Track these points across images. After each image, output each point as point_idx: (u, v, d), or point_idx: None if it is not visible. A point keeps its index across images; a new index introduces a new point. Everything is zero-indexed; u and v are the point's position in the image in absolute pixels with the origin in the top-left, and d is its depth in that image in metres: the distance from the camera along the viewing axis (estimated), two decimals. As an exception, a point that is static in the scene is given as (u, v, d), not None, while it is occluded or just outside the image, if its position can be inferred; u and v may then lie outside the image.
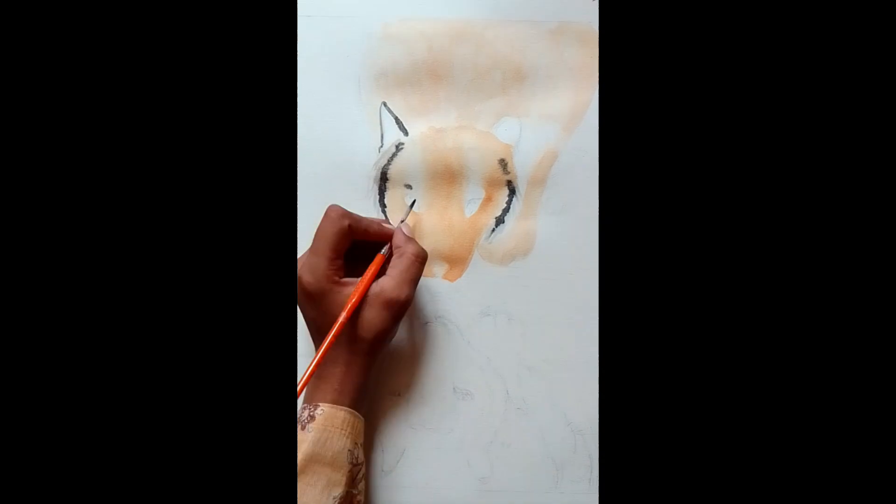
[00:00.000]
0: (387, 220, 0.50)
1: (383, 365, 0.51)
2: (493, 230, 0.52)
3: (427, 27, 0.52)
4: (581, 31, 0.52)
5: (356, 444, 0.45)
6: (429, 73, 0.52)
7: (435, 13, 0.52)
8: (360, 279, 0.45)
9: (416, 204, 0.52)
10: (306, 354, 0.51)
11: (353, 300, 0.44)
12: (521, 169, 0.52)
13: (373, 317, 0.44)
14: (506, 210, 0.52)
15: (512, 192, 0.52)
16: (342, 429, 0.44)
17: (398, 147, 0.52)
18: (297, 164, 0.51)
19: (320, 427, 0.43)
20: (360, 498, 0.45)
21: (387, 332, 0.45)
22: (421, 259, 0.46)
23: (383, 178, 0.52)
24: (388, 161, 0.52)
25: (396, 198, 0.52)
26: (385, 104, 0.52)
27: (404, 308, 0.45)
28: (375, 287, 0.45)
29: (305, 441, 0.42)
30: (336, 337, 0.43)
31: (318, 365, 0.43)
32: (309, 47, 0.52)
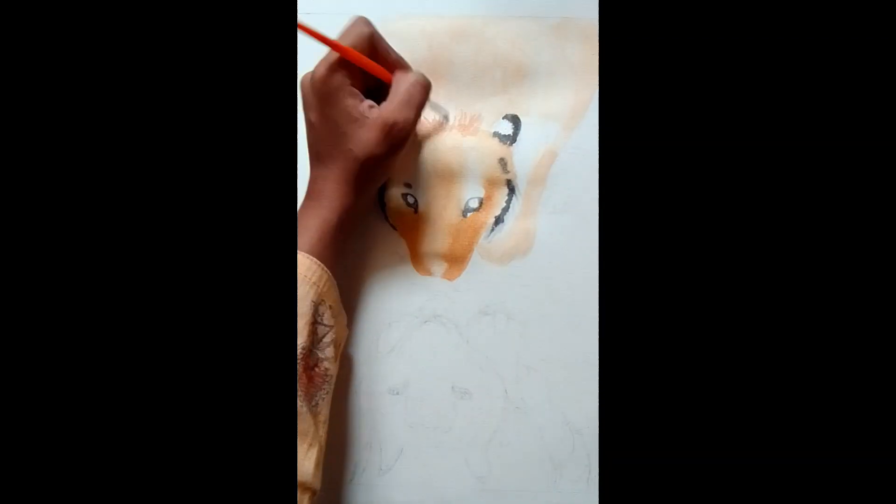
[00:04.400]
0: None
1: (382, 363, 0.51)
2: (493, 229, 0.52)
3: (427, 24, 0.52)
4: (583, 27, 0.52)
5: (323, 301, 0.43)
6: (429, 71, 0.52)
7: (435, 10, 0.52)
8: (376, 106, 0.44)
9: (415, 203, 0.52)
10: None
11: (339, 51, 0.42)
12: (521, 168, 0.52)
13: (368, 136, 0.43)
14: (505, 209, 0.52)
15: (511, 191, 0.52)
16: (306, 276, 0.42)
17: (398, 145, 0.52)
18: (297, 162, 0.51)
19: None
20: (331, 369, 0.43)
21: (380, 157, 0.43)
22: (423, 85, 0.44)
23: (383, 177, 0.52)
24: (388, 159, 0.52)
25: (395, 196, 0.52)
26: (385, 102, 0.52)
27: (404, 133, 0.43)
28: (374, 111, 0.43)
29: None
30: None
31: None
32: (309, 45, 0.52)
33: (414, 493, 0.50)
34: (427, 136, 0.52)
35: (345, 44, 0.43)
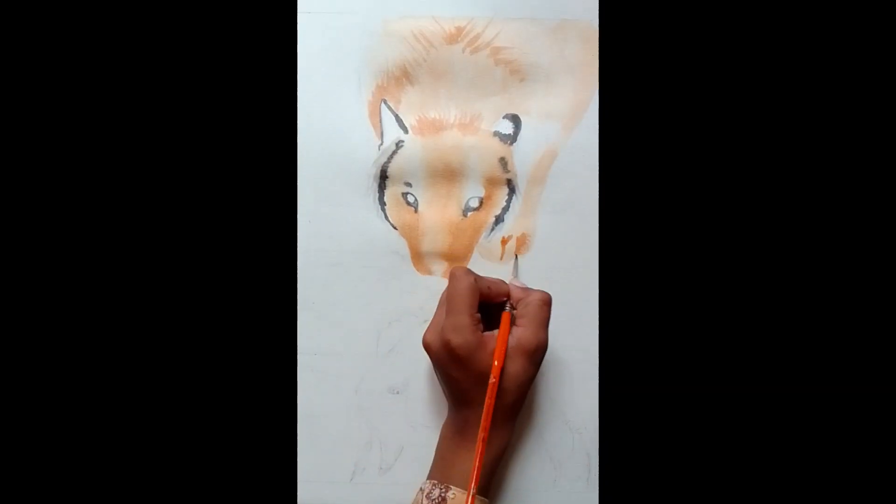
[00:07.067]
0: (502, 281, 0.48)
1: (382, 363, 0.51)
2: (493, 228, 0.52)
3: (427, 25, 0.52)
4: (582, 28, 0.52)
5: None
6: (429, 71, 0.52)
7: (436, 10, 0.52)
8: (496, 334, 0.45)
9: (415, 202, 0.52)
10: (306, 352, 0.51)
11: (497, 361, 0.43)
12: (521, 167, 0.52)
13: (517, 369, 0.44)
14: (505, 208, 0.52)
15: (512, 190, 0.52)
16: None
17: (398, 145, 0.52)
18: (297, 161, 0.51)
19: None
20: None
21: (531, 380, 0.45)
22: (546, 302, 0.46)
23: (383, 176, 0.52)
24: (388, 159, 0.52)
25: (395, 196, 0.52)
26: (385, 101, 0.52)
27: (543, 352, 0.45)
28: (511, 340, 0.45)
29: None
30: (490, 398, 0.43)
31: (485, 430, 0.43)
32: (309, 44, 0.52)
33: (414, 493, 0.50)
34: (428, 136, 0.52)
35: (465, 298, 0.44)
